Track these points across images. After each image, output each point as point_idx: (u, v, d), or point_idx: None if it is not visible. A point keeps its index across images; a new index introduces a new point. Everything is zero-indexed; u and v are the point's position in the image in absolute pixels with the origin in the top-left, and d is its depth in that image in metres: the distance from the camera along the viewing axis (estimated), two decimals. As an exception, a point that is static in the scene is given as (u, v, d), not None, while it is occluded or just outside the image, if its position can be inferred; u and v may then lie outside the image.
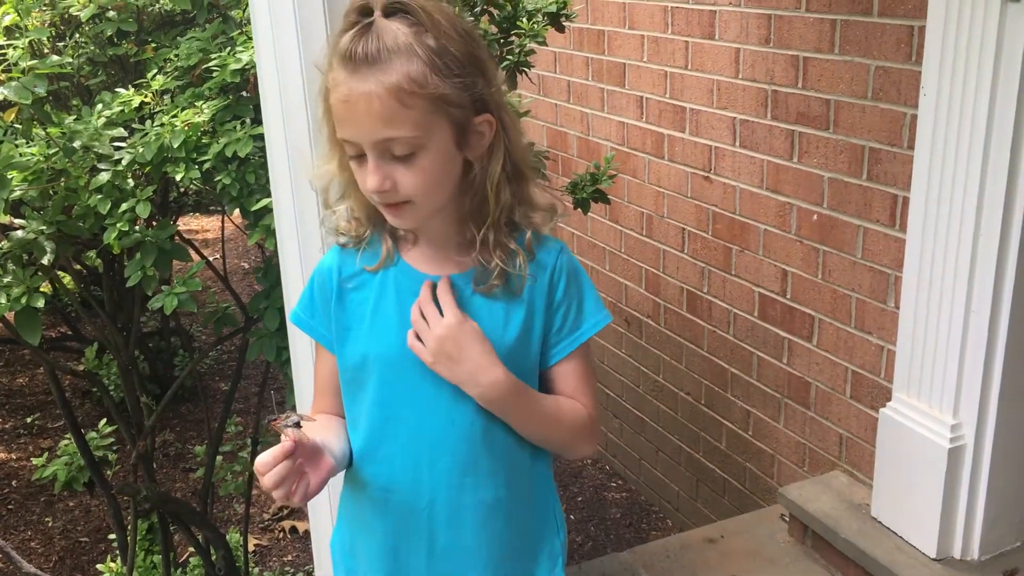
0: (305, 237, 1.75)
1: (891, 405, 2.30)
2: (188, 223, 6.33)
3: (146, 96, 2.24)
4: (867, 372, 2.50)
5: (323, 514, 1.87)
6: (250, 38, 2.05)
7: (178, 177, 2.05)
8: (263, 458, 1.21)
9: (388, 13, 1.19)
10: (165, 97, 2.28)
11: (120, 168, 2.07)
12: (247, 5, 2.04)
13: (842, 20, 2.39)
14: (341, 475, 1.45)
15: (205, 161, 2.07)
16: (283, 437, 1.23)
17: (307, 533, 3.50)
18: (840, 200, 2.49)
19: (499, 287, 1.33)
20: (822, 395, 2.68)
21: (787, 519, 2.60)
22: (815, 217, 2.59)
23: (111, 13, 2.41)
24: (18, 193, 2.09)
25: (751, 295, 2.91)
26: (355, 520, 1.47)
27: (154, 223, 2.32)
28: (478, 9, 2.43)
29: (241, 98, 2.18)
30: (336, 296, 1.37)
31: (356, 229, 1.37)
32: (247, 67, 2.09)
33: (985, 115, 1.95)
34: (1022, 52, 1.88)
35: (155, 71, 2.32)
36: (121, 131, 2.16)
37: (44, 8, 2.48)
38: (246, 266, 6.31)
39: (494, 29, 2.49)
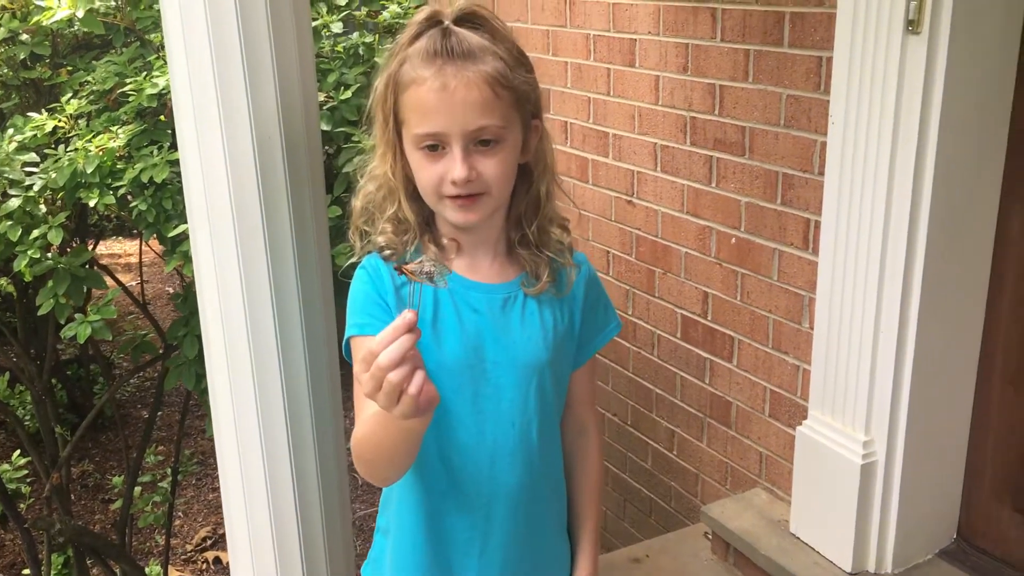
0: (222, 264, 1.73)
1: (807, 423, 2.36)
2: (111, 247, 6.20)
3: (60, 120, 2.20)
4: (784, 391, 2.56)
5: (241, 544, 1.84)
6: (167, 62, 2.03)
7: (92, 203, 2.01)
8: (380, 335, 1.06)
9: (458, 22, 1.29)
10: (80, 121, 2.25)
11: (31, 194, 2.03)
12: (164, 29, 2.02)
13: (755, 50, 2.47)
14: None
15: (120, 187, 2.03)
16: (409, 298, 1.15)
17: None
18: (756, 224, 2.56)
19: (550, 285, 1.43)
20: (743, 414, 2.73)
21: (710, 537, 2.63)
22: (733, 240, 2.65)
23: (24, 36, 2.36)
24: (-76, 219, 2.03)
25: (674, 317, 2.96)
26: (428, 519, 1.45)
27: (69, 249, 2.27)
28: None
29: (158, 123, 2.15)
30: (395, 299, 1.36)
31: (401, 236, 1.40)
32: (164, 91, 2.07)
33: (889, 142, 2.03)
34: (922, 82, 1.96)
35: (70, 95, 2.28)
36: (33, 156, 2.12)
37: (-47, 30, 2.42)
38: (171, 290, 6.19)
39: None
